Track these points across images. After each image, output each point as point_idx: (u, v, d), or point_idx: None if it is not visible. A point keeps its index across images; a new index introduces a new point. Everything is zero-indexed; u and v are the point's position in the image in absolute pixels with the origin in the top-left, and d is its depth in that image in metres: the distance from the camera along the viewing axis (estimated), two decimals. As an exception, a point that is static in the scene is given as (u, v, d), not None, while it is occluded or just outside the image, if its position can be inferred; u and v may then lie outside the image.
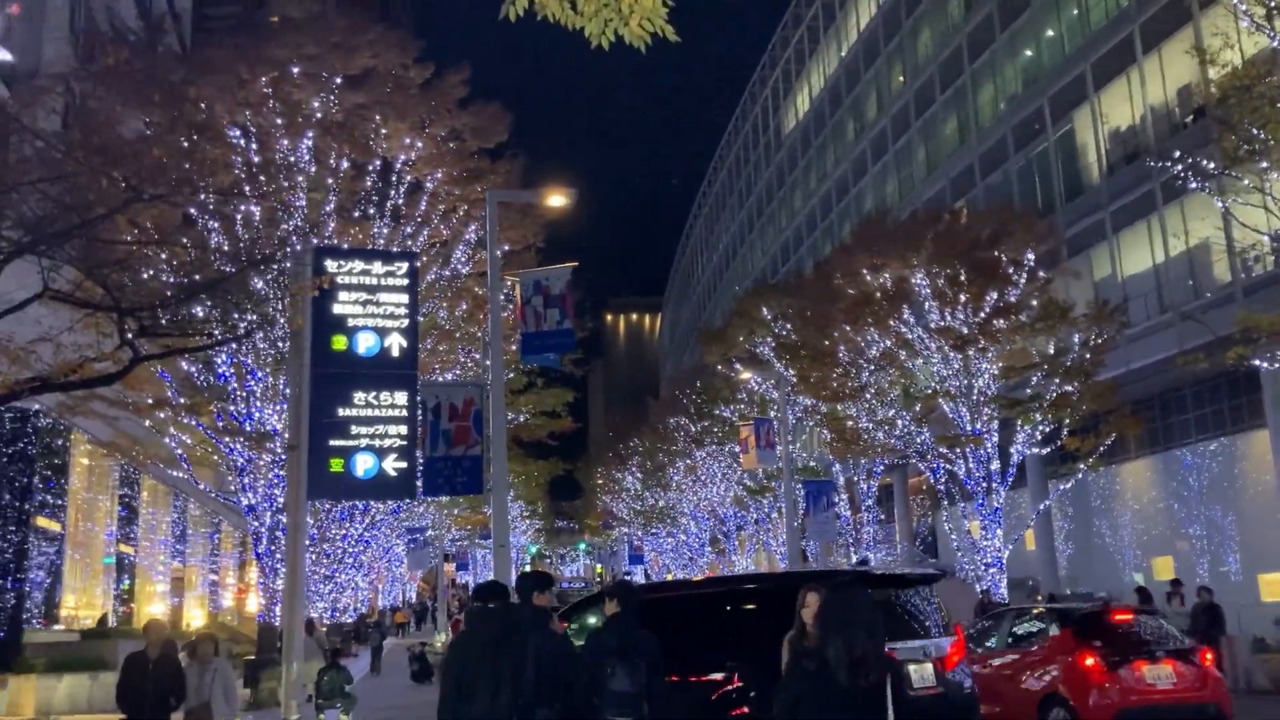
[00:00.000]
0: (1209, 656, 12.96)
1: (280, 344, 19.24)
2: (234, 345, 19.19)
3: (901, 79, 46.65)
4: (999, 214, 29.50)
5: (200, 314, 14.93)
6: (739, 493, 47.61)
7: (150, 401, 17.55)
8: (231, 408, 19.22)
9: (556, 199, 18.43)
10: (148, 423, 19.23)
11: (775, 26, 64.65)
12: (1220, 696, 12.32)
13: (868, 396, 30.22)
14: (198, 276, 13.04)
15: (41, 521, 21.52)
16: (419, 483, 20.10)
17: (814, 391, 31.03)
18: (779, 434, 33.62)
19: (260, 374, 19.83)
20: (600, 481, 73.63)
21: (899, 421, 30.26)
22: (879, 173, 48.30)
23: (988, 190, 37.69)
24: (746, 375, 33.84)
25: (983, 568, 30.07)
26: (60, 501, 22.78)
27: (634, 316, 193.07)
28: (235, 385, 19.38)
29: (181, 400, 18.33)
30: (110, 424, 19.14)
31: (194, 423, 19.10)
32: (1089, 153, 33.11)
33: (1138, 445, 32.76)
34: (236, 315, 13.56)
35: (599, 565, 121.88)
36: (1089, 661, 12.17)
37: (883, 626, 4.24)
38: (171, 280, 13.89)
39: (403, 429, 18.15)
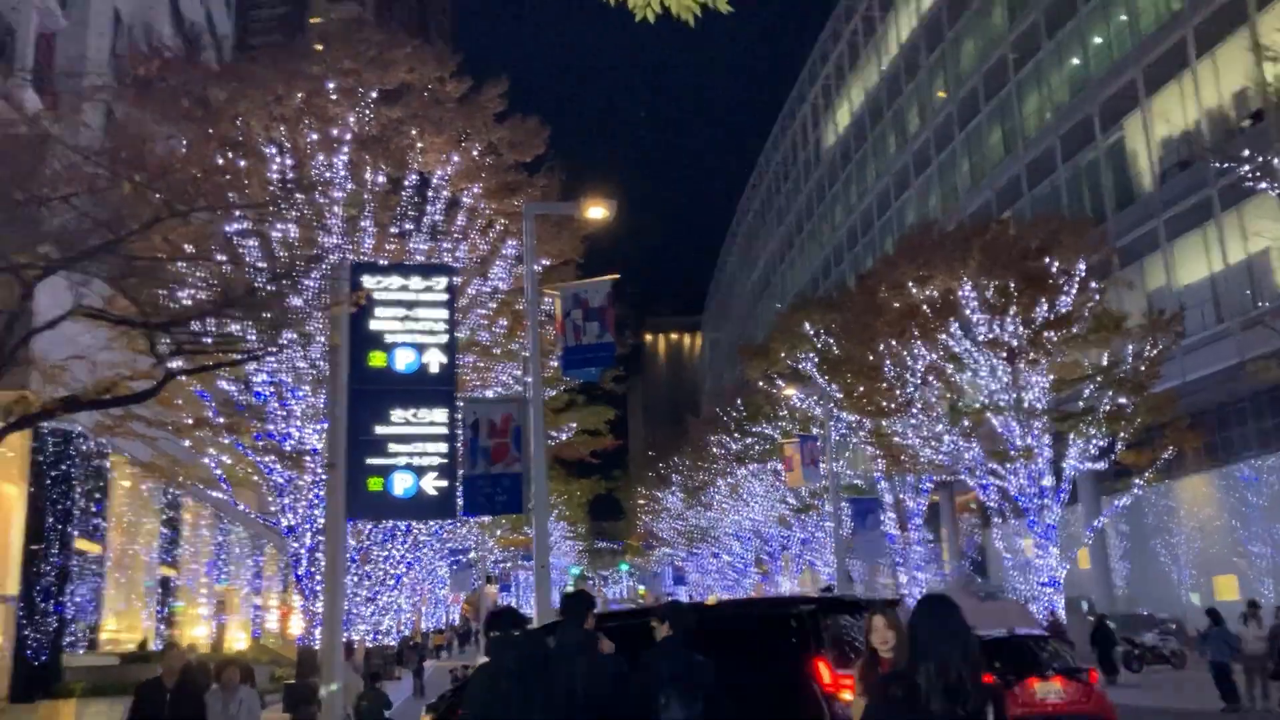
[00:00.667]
0: (1096, 676, 15.01)
1: (319, 362, 19.00)
2: (272, 364, 19.00)
3: (944, 90, 46.02)
4: (1048, 223, 28.78)
5: (236, 330, 14.70)
6: (783, 511, 46.91)
7: (189, 421, 17.32)
8: (270, 427, 18.96)
9: (596, 210, 18.05)
10: (187, 443, 19.04)
11: (812, 45, 64.29)
12: (1103, 709, 13.89)
13: (914, 411, 29.52)
14: (230, 292, 12.75)
15: (83, 544, 21.39)
16: (459, 502, 19.82)
17: (859, 407, 30.40)
18: (824, 451, 33.00)
19: (299, 393, 19.59)
20: (642, 501, 73.09)
21: (946, 437, 29.54)
22: (922, 185, 47.62)
23: (1035, 201, 36.94)
24: (789, 391, 33.26)
25: (1038, 587, 29.20)
26: (102, 524, 22.66)
27: (673, 335, 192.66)
28: (274, 404, 19.14)
29: (220, 420, 18.09)
30: (149, 444, 18.96)
31: (233, 442, 18.87)
32: (1140, 160, 32.32)
33: (1195, 460, 31.76)
34: (271, 330, 13.26)
35: (642, 587, 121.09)
36: (987, 680, 13.49)
37: (978, 646, 3.74)
38: (204, 297, 13.65)
39: (442, 447, 17.81)
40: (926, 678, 3.67)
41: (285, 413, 19.47)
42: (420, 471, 17.91)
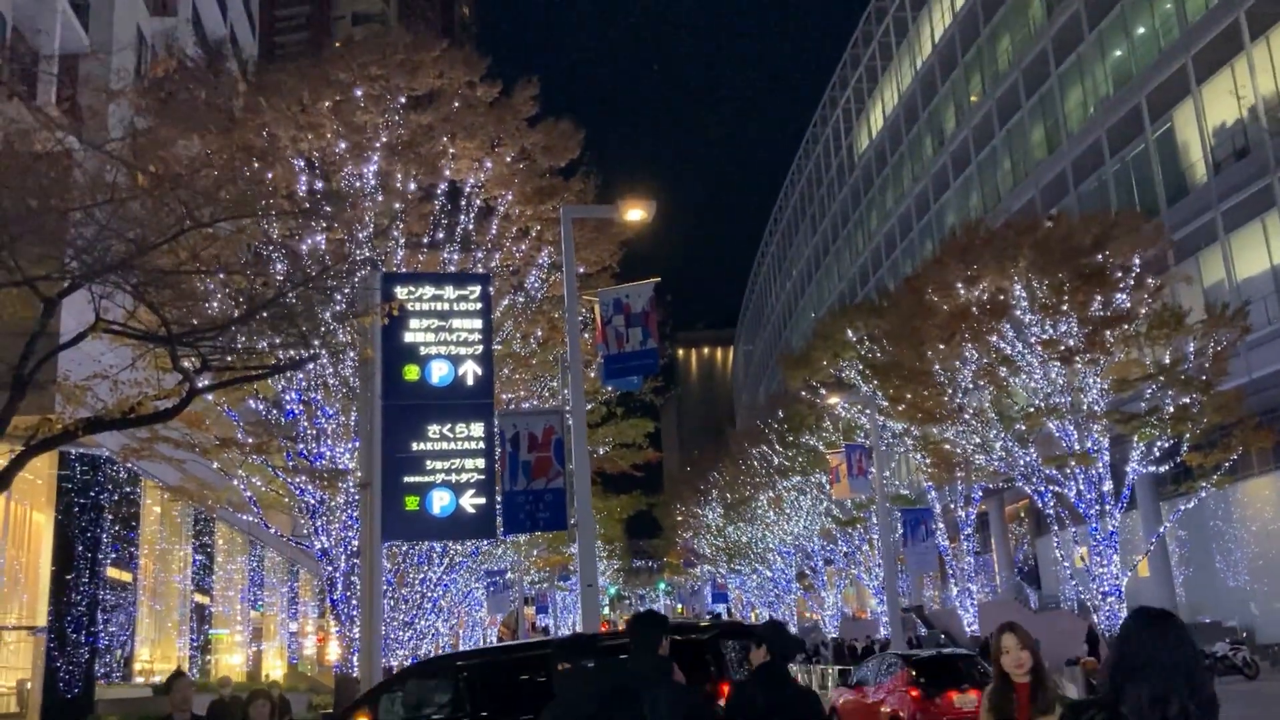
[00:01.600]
0: None
1: (351, 379, 18.30)
2: (302, 381, 18.31)
3: (982, 88, 44.98)
4: (1101, 219, 27.71)
5: (264, 346, 14.02)
6: (826, 524, 45.80)
7: (217, 442, 16.61)
8: (301, 446, 18.25)
9: (635, 212, 17.26)
10: (215, 465, 18.36)
11: (841, 53, 63.42)
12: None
13: (966, 417, 28.48)
14: (257, 299, 12.05)
15: (114, 572, 20.78)
16: (499, 520, 18.98)
17: (908, 414, 29.37)
18: (871, 460, 31.98)
19: (330, 410, 18.88)
20: (680, 518, 72.08)
21: (1000, 443, 28.46)
22: (961, 187, 46.54)
23: (1082, 198, 35.81)
24: (834, 400, 32.29)
25: (1099, 597, 28.01)
26: (133, 551, 22.06)
27: (705, 351, 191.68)
28: (304, 423, 18.43)
29: (249, 440, 17.40)
30: (177, 468, 18.30)
31: (263, 463, 18.16)
32: (1192, 151, 31.17)
33: (1261, 461, 30.42)
34: (300, 341, 12.53)
35: (680, 605, 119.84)
36: (914, 692, 16.68)
37: (1207, 670, 2.87)
38: (230, 307, 12.96)
39: (480, 462, 17.02)
40: (1138, 709, 2.76)
41: (316, 431, 18.77)
42: (458, 489, 17.12)
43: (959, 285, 27.31)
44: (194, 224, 11.92)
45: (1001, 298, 26.73)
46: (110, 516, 20.38)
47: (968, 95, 46.43)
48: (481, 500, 16.93)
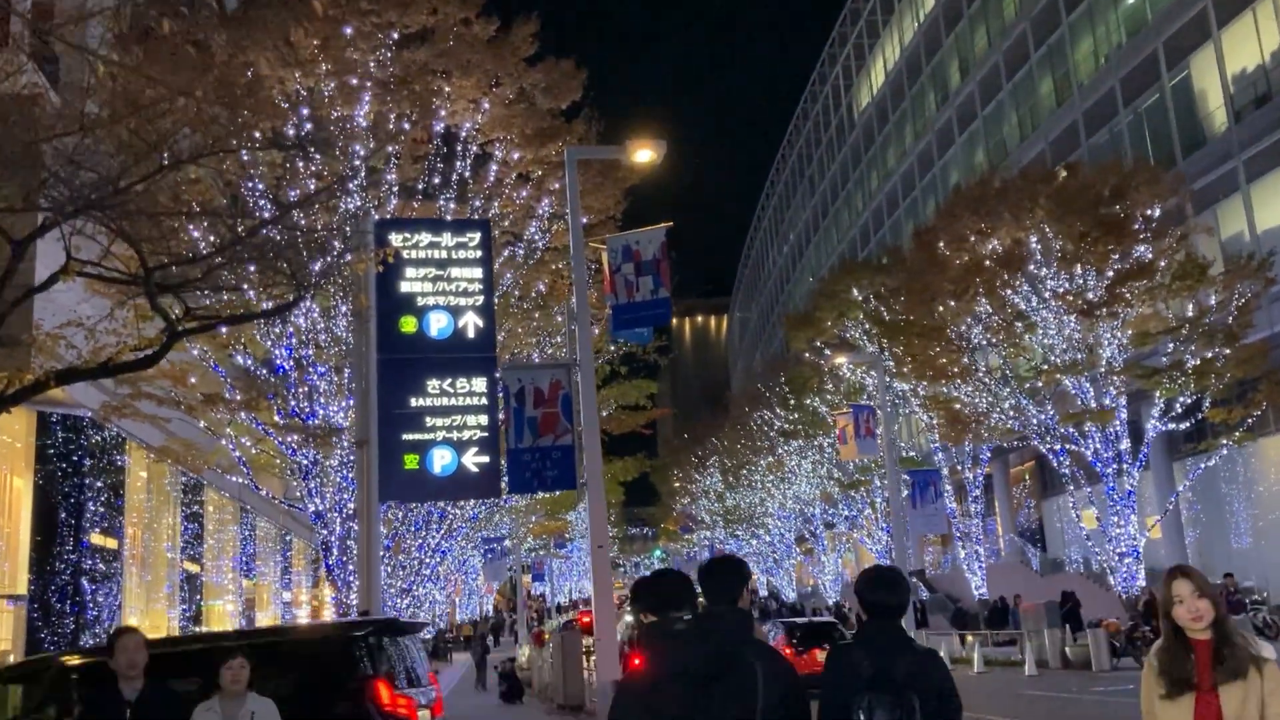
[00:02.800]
0: None
1: (344, 336, 17.32)
2: (292, 338, 17.33)
3: (988, 40, 43.79)
4: (1117, 168, 26.73)
5: (250, 294, 13.06)
6: (828, 488, 45.06)
7: (202, 398, 15.59)
8: (293, 403, 17.27)
9: (644, 153, 16.28)
10: (202, 424, 17.41)
11: (839, 11, 62.04)
12: None
13: (979, 373, 27.61)
14: (237, 230, 11.06)
15: (99, 540, 19.83)
16: (504, 479, 18.07)
17: (920, 372, 28.49)
18: (879, 421, 31.15)
19: (323, 368, 17.90)
20: (677, 484, 71.38)
21: (1011, 401, 27.64)
22: (966, 142, 45.42)
23: (1094, 150, 34.77)
24: (840, 359, 31.37)
25: (1116, 558, 27.30)
26: (119, 518, 21.11)
27: (699, 319, 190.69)
28: (295, 378, 17.43)
29: (238, 396, 16.42)
30: (161, 428, 17.34)
31: (252, 421, 17.21)
32: (1211, 99, 30.13)
33: (1277, 417, 29.62)
34: (287, 283, 11.53)
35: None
36: (787, 650, 20.80)
37: None
38: (212, 241, 11.97)
39: (483, 419, 16.09)
40: None
41: (308, 389, 17.80)
42: (460, 447, 16.19)
43: (973, 238, 26.38)
44: (174, 160, 10.95)
45: (1018, 250, 25.82)
46: (94, 481, 19.40)
47: (973, 48, 45.24)
48: (485, 458, 16.01)
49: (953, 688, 3.69)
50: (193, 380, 16.39)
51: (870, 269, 35.01)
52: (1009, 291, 26.01)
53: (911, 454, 39.73)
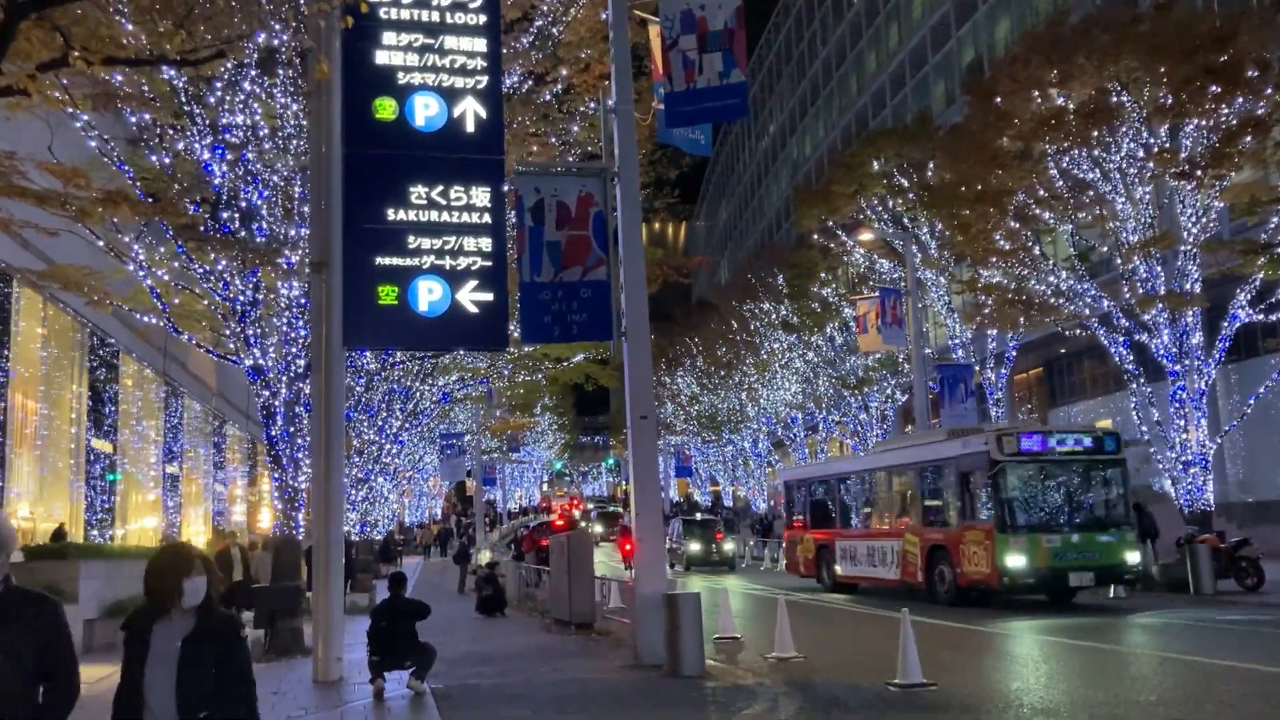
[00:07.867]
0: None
1: (298, 117, 12.80)
2: (224, 118, 12.74)
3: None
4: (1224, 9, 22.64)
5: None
6: (820, 391, 41.38)
7: (99, 197, 10.95)
8: (225, 213, 12.74)
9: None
10: (101, 243, 12.88)
11: None
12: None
13: (1040, 250, 23.71)
14: None
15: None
16: (513, 326, 13.85)
17: (972, 246, 24.45)
18: (906, 308, 27.32)
19: (266, 170, 13.35)
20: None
21: (1069, 283, 23.87)
22: (992, 8, 40.74)
23: None
24: (866, 235, 27.24)
25: (1180, 467, 23.84)
26: (3, 379, 16.62)
27: (656, 226, 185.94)
28: (222, 169, 12.86)
29: (147, 199, 11.89)
30: (49, 243, 12.81)
31: (171, 238, 12.71)
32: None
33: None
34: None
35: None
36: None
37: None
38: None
39: (485, 242, 11.81)
40: None
41: (246, 204, 13.27)
42: (454, 278, 11.83)
43: (1048, 89, 22.22)
44: None
45: (1101, 101, 21.76)
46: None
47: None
48: (487, 295, 11.75)
49: None
50: (85, 181, 11.80)
51: (895, 137, 30.71)
52: (1088, 150, 22.03)
53: (928, 351, 36.07)
